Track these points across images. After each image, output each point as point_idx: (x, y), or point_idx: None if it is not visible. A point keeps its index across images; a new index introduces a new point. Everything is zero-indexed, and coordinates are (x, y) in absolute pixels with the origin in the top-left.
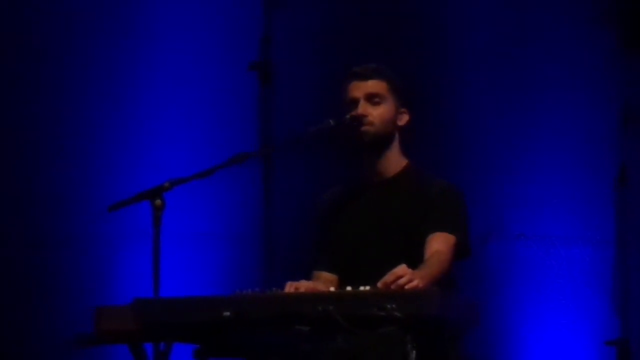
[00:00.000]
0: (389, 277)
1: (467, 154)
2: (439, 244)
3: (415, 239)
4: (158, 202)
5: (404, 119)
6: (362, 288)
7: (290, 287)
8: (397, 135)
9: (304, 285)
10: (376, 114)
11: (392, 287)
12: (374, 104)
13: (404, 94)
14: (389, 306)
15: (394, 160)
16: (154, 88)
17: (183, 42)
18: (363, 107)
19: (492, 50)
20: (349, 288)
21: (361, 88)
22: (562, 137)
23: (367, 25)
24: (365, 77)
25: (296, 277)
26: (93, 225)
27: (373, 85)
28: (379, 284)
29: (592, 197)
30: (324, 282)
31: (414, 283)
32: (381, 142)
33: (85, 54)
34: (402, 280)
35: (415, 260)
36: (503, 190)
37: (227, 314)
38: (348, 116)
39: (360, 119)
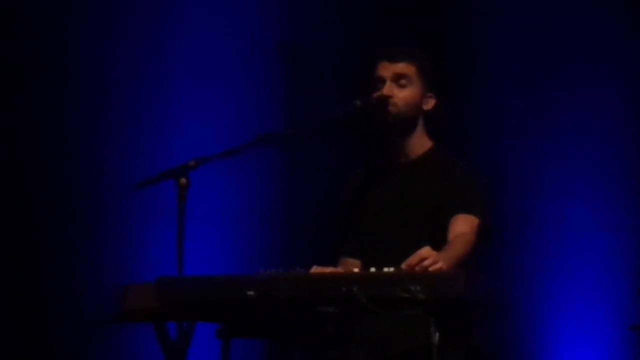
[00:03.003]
0: (413, 258)
1: (495, 139)
2: (462, 226)
3: (438, 221)
4: (183, 180)
5: (430, 104)
6: (386, 269)
7: (315, 270)
8: (421, 119)
9: (329, 270)
10: (401, 96)
11: (417, 268)
12: (401, 86)
13: (432, 78)
14: (412, 288)
15: (419, 142)
16: (182, 68)
17: (211, 22)
18: (388, 88)
19: (523, 36)
20: (372, 269)
21: (389, 69)
22: (590, 124)
23: (395, 9)
24: (395, 58)
25: (320, 257)
26: (118, 203)
27: (402, 67)
28: (403, 266)
29: (617, 184)
30: (350, 267)
31: (438, 265)
32: (404, 124)
33: (115, 36)
34: (426, 262)
35: (438, 241)
36: (528, 177)
37: (250, 293)
38: (374, 96)
39: (384, 100)
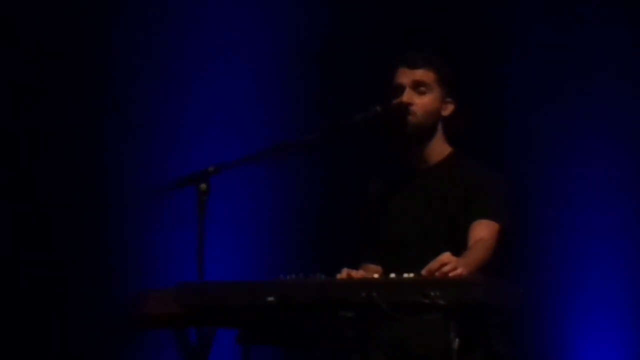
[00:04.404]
0: (433, 264)
1: (512, 145)
2: (482, 231)
3: (458, 226)
4: (203, 186)
5: (449, 109)
6: (406, 275)
7: (344, 273)
8: (440, 125)
9: (357, 273)
10: (420, 104)
11: (437, 274)
12: (420, 93)
13: (451, 84)
14: (432, 293)
15: (438, 148)
16: (202, 74)
17: (232, 25)
18: (408, 95)
19: (543, 36)
20: (392, 275)
21: (409, 75)
22: (607, 128)
23: (416, 13)
24: (414, 65)
25: (340, 264)
26: (138, 208)
27: (421, 74)
28: (424, 271)
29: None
30: (371, 273)
31: (458, 271)
32: (423, 132)
33: (132, 37)
34: (446, 268)
35: (458, 247)
36: (549, 182)
37: (270, 299)
38: (393, 103)
39: (404, 107)
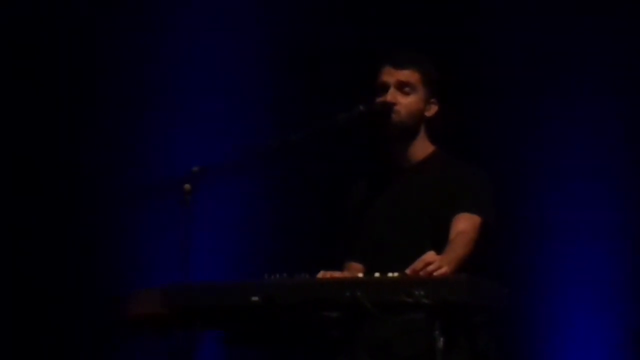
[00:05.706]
0: (417, 263)
1: (497, 146)
2: (463, 225)
3: (441, 223)
4: (187, 186)
5: (432, 110)
6: (390, 274)
7: (323, 275)
8: (423, 125)
9: (336, 274)
10: (404, 104)
11: (421, 273)
12: (404, 93)
13: (436, 85)
14: (417, 292)
15: (420, 148)
16: (187, 73)
17: (215, 27)
18: (392, 95)
19: (529, 39)
20: (377, 274)
21: (394, 75)
22: (599, 130)
23: (402, 14)
24: (399, 65)
25: (324, 263)
26: (123, 209)
27: (406, 75)
28: (408, 271)
29: (623, 191)
30: (354, 271)
31: (443, 270)
32: (405, 132)
33: (115, 40)
34: (430, 267)
35: (442, 245)
36: (534, 182)
37: (255, 299)
38: (377, 102)
39: (387, 106)
